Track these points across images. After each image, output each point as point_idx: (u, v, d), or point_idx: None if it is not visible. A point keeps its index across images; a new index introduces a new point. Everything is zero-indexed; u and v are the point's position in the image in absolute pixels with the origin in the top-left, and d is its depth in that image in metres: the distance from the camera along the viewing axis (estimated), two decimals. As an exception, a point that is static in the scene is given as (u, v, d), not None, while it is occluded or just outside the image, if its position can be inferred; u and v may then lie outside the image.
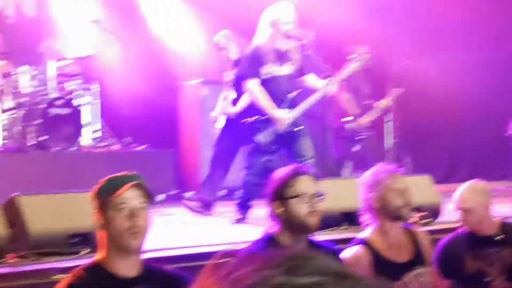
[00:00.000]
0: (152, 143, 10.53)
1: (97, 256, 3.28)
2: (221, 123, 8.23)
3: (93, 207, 3.28)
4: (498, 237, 4.73)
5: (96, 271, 3.17)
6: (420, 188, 6.48)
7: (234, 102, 7.94)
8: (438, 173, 9.67)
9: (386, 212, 4.18)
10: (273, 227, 3.80)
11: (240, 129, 7.51)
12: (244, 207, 7.23)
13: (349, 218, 6.37)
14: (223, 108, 8.17)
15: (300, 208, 3.71)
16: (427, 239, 4.49)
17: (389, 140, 11.89)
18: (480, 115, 11.65)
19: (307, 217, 3.71)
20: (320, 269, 1.07)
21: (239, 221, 7.15)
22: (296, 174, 3.76)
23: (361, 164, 11.95)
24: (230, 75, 8.13)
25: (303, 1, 8.54)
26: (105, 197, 3.19)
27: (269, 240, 3.75)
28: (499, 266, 4.63)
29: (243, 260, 1.11)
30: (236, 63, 7.91)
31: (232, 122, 7.97)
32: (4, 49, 9.91)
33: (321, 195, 3.80)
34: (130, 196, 3.16)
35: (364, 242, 4.20)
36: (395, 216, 4.19)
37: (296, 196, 3.71)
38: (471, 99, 11.62)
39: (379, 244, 4.19)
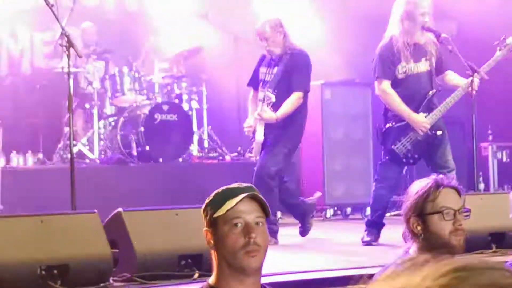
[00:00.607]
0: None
1: (210, 280, 3.27)
2: (260, 133, 7.86)
3: (204, 224, 3.27)
4: None
5: (207, 297, 3.18)
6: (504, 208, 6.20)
7: (274, 106, 7.67)
8: None
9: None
10: (410, 248, 3.76)
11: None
12: (375, 226, 7.17)
13: (498, 239, 6.27)
14: (261, 113, 7.64)
15: (443, 225, 3.64)
16: None
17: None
18: None
19: (450, 236, 3.64)
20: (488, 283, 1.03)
21: (369, 242, 7.09)
22: (438, 186, 3.68)
23: (509, 178, 11.87)
24: (271, 73, 7.91)
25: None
26: (217, 211, 3.17)
27: (407, 264, 3.72)
28: None
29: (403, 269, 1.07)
30: (280, 58, 7.82)
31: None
32: (102, 49, 10.14)
33: (467, 211, 3.73)
34: (245, 210, 3.12)
35: None
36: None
37: (439, 212, 3.64)
38: None
39: None
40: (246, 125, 7.94)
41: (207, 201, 3.25)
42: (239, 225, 3.11)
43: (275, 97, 7.57)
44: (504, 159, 11.80)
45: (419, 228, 3.68)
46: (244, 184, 3.25)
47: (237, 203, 3.10)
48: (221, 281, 3.20)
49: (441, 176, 3.87)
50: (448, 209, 3.66)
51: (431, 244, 3.68)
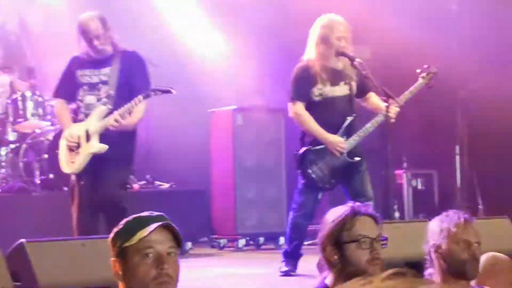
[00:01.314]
0: (178, 181, 10.57)
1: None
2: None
3: (112, 254, 3.23)
4: None
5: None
6: (498, 232, 6.42)
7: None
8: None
9: (450, 266, 4.14)
10: (327, 278, 3.77)
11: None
12: (293, 256, 7.18)
13: (414, 268, 6.33)
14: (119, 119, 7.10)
15: (360, 254, 3.66)
16: None
17: (458, 177, 11.94)
18: None
19: (367, 265, 3.66)
20: None
21: (286, 273, 7.09)
22: (354, 214, 3.70)
23: (424, 206, 12.05)
24: (98, 74, 7.29)
25: (355, 14, 8.51)
26: (127, 241, 3.14)
27: (324, 296, 3.72)
28: None
29: None
30: (110, 58, 7.29)
31: None
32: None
33: (385, 239, 3.75)
34: (157, 240, 3.09)
35: None
36: (458, 272, 4.15)
37: (355, 241, 3.66)
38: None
39: None
40: (71, 138, 7.06)
41: (116, 230, 3.20)
42: (151, 255, 3.08)
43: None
44: (419, 187, 11.99)
45: (335, 257, 3.69)
46: (156, 213, 3.22)
47: (150, 232, 3.08)
48: (130, 315, 3.17)
49: (357, 203, 3.91)
50: (365, 237, 3.68)
51: (347, 273, 3.67)
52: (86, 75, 7.22)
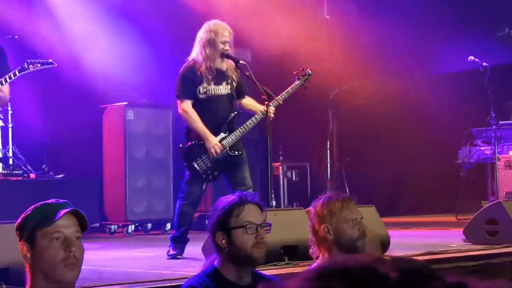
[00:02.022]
0: (72, 171, 10.47)
1: (29, 291, 3.20)
2: None
3: (19, 238, 3.19)
4: None
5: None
6: (366, 219, 6.52)
7: None
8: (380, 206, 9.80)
9: (340, 244, 4.17)
10: (215, 260, 3.79)
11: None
12: (180, 241, 7.17)
13: (290, 252, 6.40)
14: None
15: (246, 239, 3.68)
16: None
17: (328, 170, 12.10)
18: (427, 141, 11.85)
19: (252, 249, 3.69)
20: None
21: (174, 256, 7.06)
22: (242, 202, 3.73)
23: (298, 195, 12.19)
24: None
25: (238, 20, 8.56)
26: (35, 226, 3.11)
27: (211, 274, 3.73)
28: None
29: None
30: None
31: None
32: None
33: (268, 225, 3.80)
34: (65, 225, 3.09)
35: None
36: (350, 248, 4.18)
37: (242, 227, 3.68)
38: (417, 126, 11.81)
39: None
40: None
41: (24, 215, 3.17)
42: (59, 239, 3.07)
43: None
44: (294, 178, 12.12)
45: (223, 241, 3.71)
46: (62, 200, 3.21)
47: (58, 218, 3.06)
48: (39, 292, 3.14)
49: (245, 193, 3.94)
50: (251, 223, 3.71)
51: (234, 256, 3.71)
52: None
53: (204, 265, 3.94)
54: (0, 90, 6.27)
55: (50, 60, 6.56)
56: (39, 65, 6.52)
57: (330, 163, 12.11)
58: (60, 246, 3.05)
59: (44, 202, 3.19)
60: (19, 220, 3.18)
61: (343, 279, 0.86)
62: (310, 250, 4.36)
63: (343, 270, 0.89)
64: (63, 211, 3.07)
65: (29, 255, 3.11)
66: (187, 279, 3.92)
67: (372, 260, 1.00)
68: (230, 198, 3.79)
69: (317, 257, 4.31)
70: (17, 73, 6.42)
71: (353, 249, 4.16)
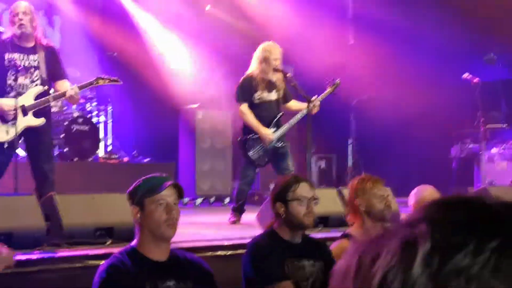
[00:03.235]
0: (156, 156, 10.54)
1: (133, 243, 3.23)
2: None
3: (131, 203, 3.22)
4: None
5: (132, 255, 3.13)
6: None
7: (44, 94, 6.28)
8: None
9: (370, 214, 4.14)
10: (274, 223, 3.80)
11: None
12: (238, 211, 7.19)
13: (324, 221, 6.39)
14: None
15: (299, 209, 3.69)
16: None
17: (349, 161, 12.05)
18: (427, 139, 11.76)
19: (304, 217, 3.70)
20: None
21: (234, 222, 7.10)
22: (297, 180, 3.75)
23: (326, 180, 12.15)
24: (27, 59, 6.20)
25: (285, 41, 8.53)
26: (145, 194, 3.14)
27: (271, 234, 3.74)
28: None
29: None
30: (35, 47, 6.23)
31: None
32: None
33: (317, 199, 3.80)
34: (168, 194, 3.13)
35: (348, 236, 4.16)
36: (378, 218, 4.16)
37: (297, 199, 3.70)
38: (418, 126, 11.72)
39: (361, 238, 4.15)
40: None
41: (135, 185, 3.21)
42: (163, 205, 3.10)
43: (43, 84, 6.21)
44: (322, 166, 12.09)
45: (282, 210, 3.72)
46: (164, 174, 3.24)
47: (164, 189, 3.09)
48: (142, 245, 3.17)
49: (299, 173, 3.95)
50: (304, 197, 3.72)
51: (290, 222, 3.73)
52: (14, 58, 6.08)
53: (264, 229, 3.94)
54: (73, 93, 6.15)
55: (117, 78, 6.56)
56: (107, 81, 6.51)
57: (351, 155, 12.04)
58: (163, 210, 3.09)
59: (151, 175, 3.22)
60: (130, 189, 3.21)
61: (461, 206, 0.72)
62: (347, 218, 4.34)
63: (460, 199, 0.74)
64: (167, 184, 3.11)
65: (139, 216, 3.14)
66: (250, 239, 3.91)
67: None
68: (288, 177, 3.80)
69: (352, 224, 4.29)
70: (89, 84, 6.43)
71: (381, 219, 4.15)
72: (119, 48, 10.75)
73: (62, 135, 9.10)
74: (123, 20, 11.58)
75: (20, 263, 4.26)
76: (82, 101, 9.96)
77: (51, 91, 6.30)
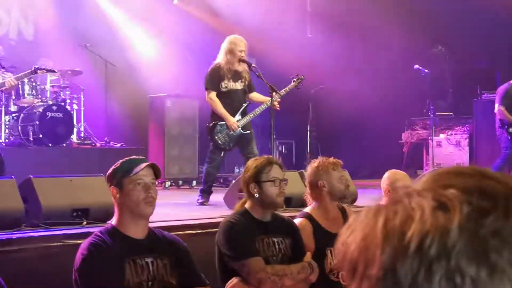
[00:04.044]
0: (127, 142, 10.40)
1: (112, 222, 3.15)
2: None
3: (110, 184, 3.14)
4: None
5: (112, 233, 3.07)
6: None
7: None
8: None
9: (332, 194, 4.12)
10: (247, 203, 3.74)
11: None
12: (207, 192, 7.14)
13: (288, 202, 6.33)
14: None
15: (273, 190, 3.65)
16: (352, 212, 4.43)
17: (308, 146, 12.06)
18: (379, 126, 11.83)
19: (276, 197, 3.66)
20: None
21: (203, 203, 7.04)
22: (270, 163, 3.71)
23: (285, 164, 12.14)
24: None
25: (249, 34, 8.46)
26: (123, 175, 3.07)
27: (243, 213, 3.69)
28: None
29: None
30: None
31: None
32: (9, 64, 9.64)
33: (286, 180, 3.76)
34: (145, 174, 3.06)
35: (307, 215, 4.13)
36: (339, 197, 4.14)
37: (270, 181, 3.66)
38: (371, 114, 11.78)
39: (318, 217, 4.11)
40: None
41: (114, 167, 3.14)
42: (141, 184, 3.03)
43: None
44: (283, 151, 12.08)
45: (255, 190, 3.67)
46: (141, 157, 3.17)
47: (141, 169, 3.02)
48: (122, 224, 3.10)
49: (272, 156, 3.90)
50: (277, 179, 3.68)
51: (263, 202, 3.68)
52: None
53: (235, 208, 3.89)
54: (11, 83, 6.11)
55: (53, 69, 6.54)
56: (44, 71, 6.46)
57: (309, 140, 12.04)
58: (141, 189, 3.03)
59: (128, 157, 3.14)
60: (110, 171, 3.14)
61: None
62: (305, 198, 4.30)
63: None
64: (144, 164, 3.05)
65: (118, 196, 3.06)
66: (219, 218, 3.87)
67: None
68: (261, 159, 3.75)
69: (309, 204, 4.24)
70: (27, 74, 6.34)
71: (342, 197, 4.15)
72: (92, 40, 10.58)
73: (37, 122, 8.92)
74: (95, 12, 11.39)
75: (0, 242, 4.17)
76: (56, 89, 9.81)
77: None
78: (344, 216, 4.22)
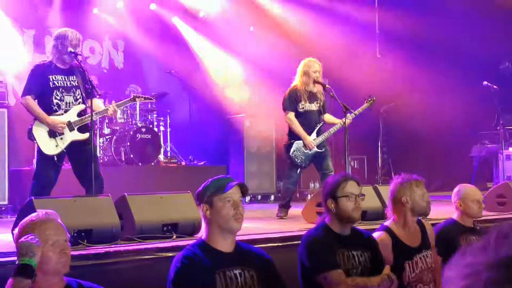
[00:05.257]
0: (209, 160, 10.53)
1: (203, 237, 3.18)
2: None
3: (200, 202, 3.17)
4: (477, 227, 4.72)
5: (203, 247, 3.09)
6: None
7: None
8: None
9: (414, 210, 4.05)
10: (326, 218, 3.73)
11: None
12: (285, 207, 7.13)
13: (363, 215, 6.26)
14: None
15: (348, 205, 3.63)
16: (431, 229, 4.34)
17: (379, 161, 11.92)
18: (449, 140, 11.60)
19: (352, 211, 3.64)
20: None
21: (281, 217, 7.03)
22: (346, 179, 3.69)
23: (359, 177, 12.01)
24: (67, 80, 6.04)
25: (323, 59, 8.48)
26: (214, 193, 3.10)
27: (324, 227, 3.68)
28: None
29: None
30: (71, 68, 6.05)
31: None
32: (102, 91, 9.95)
33: (363, 196, 3.73)
34: (234, 192, 3.09)
35: (387, 229, 4.07)
36: (420, 213, 4.09)
37: (345, 196, 3.64)
38: (440, 129, 11.57)
39: (398, 232, 4.06)
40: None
41: (204, 186, 3.17)
42: (230, 202, 3.06)
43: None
44: (355, 166, 11.97)
45: (332, 206, 3.65)
46: (228, 176, 3.21)
47: (230, 188, 3.06)
48: (211, 239, 3.13)
49: (348, 173, 3.88)
50: (352, 194, 3.65)
51: (340, 216, 3.66)
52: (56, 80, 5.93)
53: (316, 223, 3.87)
54: (113, 111, 6.11)
55: (151, 96, 6.62)
56: (142, 98, 6.53)
57: (380, 156, 11.92)
58: (231, 207, 3.05)
59: (217, 176, 3.18)
60: (200, 189, 3.17)
61: None
62: (386, 212, 4.26)
63: None
64: (233, 183, 3.06)
65: (208, 213, 3.10)
66: (305, 231, 3.85)
67: None
68: (337, 176, 3.73)
69: (390, 217, 4.20)
70: (126, 102, 6.40)
71: (423, 214, 4.09)
72: (176, 66, 10.80)
73: (128, 143, 9.16)
74: (178, 41, 11.63)
75: (99, 255, 4.28)
76: (144, 112, 10.04)
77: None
78: (422, 230, 4.16)
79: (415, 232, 4.11)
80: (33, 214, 2.93)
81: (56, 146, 5.86)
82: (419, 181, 4.10)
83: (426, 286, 3.96)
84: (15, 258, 2.83)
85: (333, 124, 7.20)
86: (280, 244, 4.94)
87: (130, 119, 9.74)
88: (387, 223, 4.16)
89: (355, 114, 7.03)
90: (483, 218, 6.54)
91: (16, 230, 2.90)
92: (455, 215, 4.71)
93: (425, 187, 4.13)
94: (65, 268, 2.89)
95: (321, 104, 7.21)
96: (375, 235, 4.00)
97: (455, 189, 4.70)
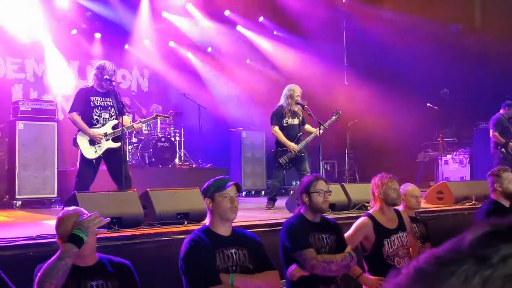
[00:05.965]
0: (214, 163, 10.54)
1: (206, 223, 3.22)
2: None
3: (204, 196, 3.20)
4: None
5: (207, 232, 3.12)
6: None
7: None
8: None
9: (386, 200, 4.05)
10: (301, 209, 3.76)
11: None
12: (272, 200, 7.14)
13: (332, 207, 6.29)
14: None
15: (319, 199, 3.66)
16: (407, 217, 4.33)
17: (346, 164, 11.92)
18: (400, 149, 11.61)
19: (322, 204, 3.67)
20: None
21: (269, 207, 7.04)
22: (317, 178, 3.72)
23: (329, 178, 12.01)
24: (103, 101, 6.04)
25: (300, 83, 8.52)
26: (215, 190, 3.14)
27: (300, 216, 3.71)
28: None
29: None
30: (108, 91, 6.02)
31: None
32: (131, 110, 9.97)
33: (330, 192, 3.77)
34: (231, 190, 3.12)
35: (369, 215, 4.07)
36: (392, 203, 4.08)
37: (317, 192, 3.68)
38: (394, 140, 11.59)
39: (378, 217, 4.05)
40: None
41: (208, 184, 3.19)
42: (228, 197, 3.09)
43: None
44: (328, 168, 11.97)
45: (306, 199, 3.68)
46: (227, 177, 3.24)
47: (228, 186, 3.09)
48: (213, 225, 3.15)
49: (318, 173, 3.89)
50: (322, 190, 3.68)
51: (312, 208, 3.68)
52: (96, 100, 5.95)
53: (293, 213, 3.90)
54: (139, 126, 6.21)
55: (168, 115, 6.69)
56: (162, 117, 6.61)
57: (347, 161, 11.93)
58: (228, 201, 3.07)
59: (218, 177, 3.21)
60: (205, 187, 3.20)
61: None
62: (370, 203, 4.25)
63: None
64: (231, 183, 3.09)
65: (211, 205, 3.13)
66: (283, 220, 3.87)
67: None
68: (310, 176, 3.76)
69: (372, 207, 4.18)
70: (150, 119, 6.47)
71: (393, 204, 4.07)
72: (189, 90, 10.82)
73: (151, 150, 9.17)
74: (191, 70, 11.67)
75: (127, 237, 4.30)
76: (164, 125, 10.04)
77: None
78: (399, 216, 4.16)
79: (393, 218, 4.09)
80: (69, 208, 2.93)
81: (95, 152, 5.92)
82: (392, 178, 4.10)
83: (402, 260, 3.95)
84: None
85: (310, 133, 7.23)
86: (267, 229, 4.96)
87: (152, 131, 9.75)
88: (370, 211, 4.16)
89: (325, 127, 7.06)
90: (425, 209, 6.62)
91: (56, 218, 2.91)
92: (400, 208, 4.72)
93: (397, 184, 4.13)
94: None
95: (301, 119, 7.24)
96: (360, 219, 4.02)
97: (401, 187, 4.72)
